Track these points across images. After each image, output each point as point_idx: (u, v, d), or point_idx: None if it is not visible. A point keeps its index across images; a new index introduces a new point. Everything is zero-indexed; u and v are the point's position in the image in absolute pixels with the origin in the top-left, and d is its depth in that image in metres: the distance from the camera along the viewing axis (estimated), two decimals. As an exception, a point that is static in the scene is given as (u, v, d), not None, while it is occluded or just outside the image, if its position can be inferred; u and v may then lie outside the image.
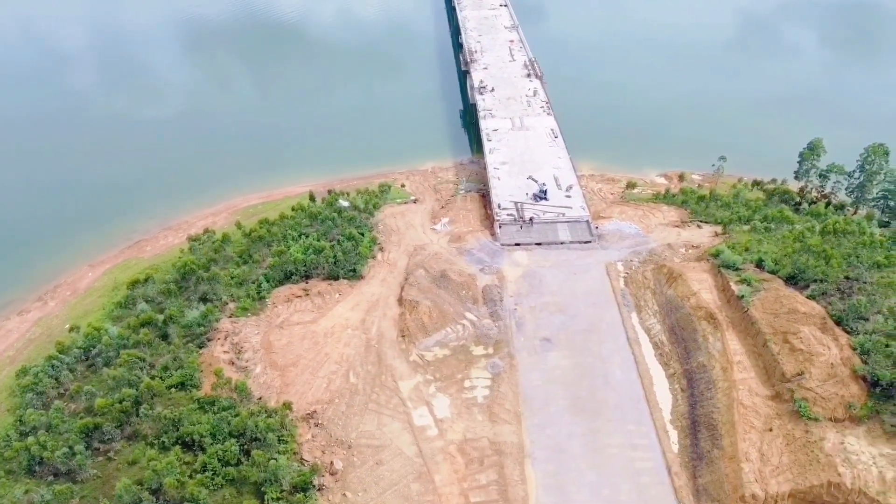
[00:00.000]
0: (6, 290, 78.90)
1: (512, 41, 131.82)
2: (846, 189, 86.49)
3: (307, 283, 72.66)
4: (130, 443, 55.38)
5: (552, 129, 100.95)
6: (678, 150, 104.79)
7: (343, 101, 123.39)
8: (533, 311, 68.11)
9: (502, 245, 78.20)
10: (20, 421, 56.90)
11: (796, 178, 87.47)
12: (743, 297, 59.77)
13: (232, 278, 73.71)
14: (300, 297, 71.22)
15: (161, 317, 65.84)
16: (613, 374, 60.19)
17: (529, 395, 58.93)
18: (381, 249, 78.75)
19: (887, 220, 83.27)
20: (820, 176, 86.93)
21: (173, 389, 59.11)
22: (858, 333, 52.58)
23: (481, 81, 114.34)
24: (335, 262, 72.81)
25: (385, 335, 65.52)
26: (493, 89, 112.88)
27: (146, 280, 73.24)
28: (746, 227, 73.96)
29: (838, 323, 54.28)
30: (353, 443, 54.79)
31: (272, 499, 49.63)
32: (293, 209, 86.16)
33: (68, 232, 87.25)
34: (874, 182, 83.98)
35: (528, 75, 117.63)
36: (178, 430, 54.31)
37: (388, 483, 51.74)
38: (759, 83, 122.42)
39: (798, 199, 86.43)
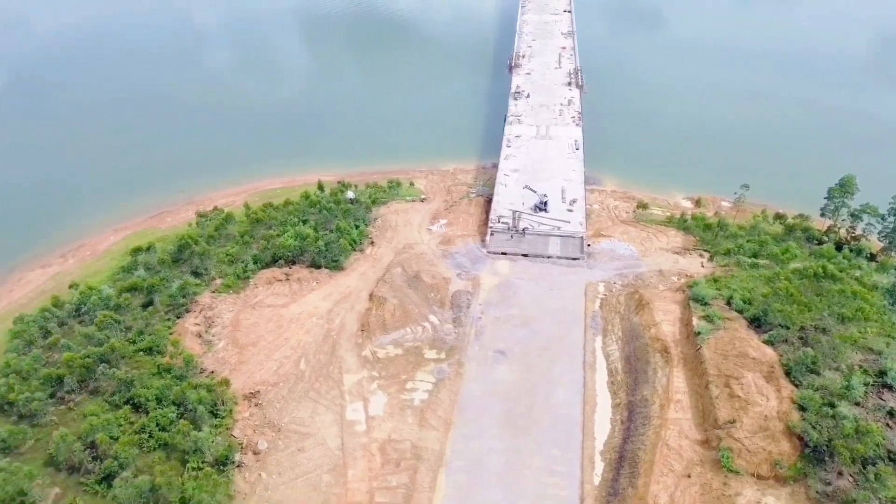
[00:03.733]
0: (38, 243, 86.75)
1: (564, 48, 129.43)
2: (878, 233, 79.16)
3: (290, 268, 75.28)
4: (92, 397, 59.85)
5: (575, 141, 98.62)
6: (714, 173, 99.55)
7: (387, 96, 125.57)
8: (496, 321, 67.41)
9: (489, 252, 77.60)
10: (7, 364, 62.67)
11: (822, 215, 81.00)
12: (699, 333, 56.53)
13: (227, 255, 77.62)
14: (281, 280, 73.95)
15: (145, 284, 70.35)
16: (556, 395, 58.70)
17: (466, 404, 58.58)
18: (372, 243, 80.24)
19: (920, 269, 75.59)
20: (851, 216, 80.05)
21: (141, 353, 63.20)
22: (805, 387, 48.45)
23: (517, 87, 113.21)
24: (319, 252, 74.92)
25: (346, 327, 66.94)
26: (528, 95, 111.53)
27: (148, 248, 78.28)
28: (730, 261, 69.52)
29: (788, 373, 50.28)
30: (283, 426, 56.63)
31: (192, 468, 52.37)
32: (301, 196, 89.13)
33: (103, 197, 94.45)
34: (909, 228, 76.44)
35: (569, 84, 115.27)
36: (129, 391, 58.16)
37: (303, 470, 53.19)
38: (808, 112, 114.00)
39: (820, 238, 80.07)
